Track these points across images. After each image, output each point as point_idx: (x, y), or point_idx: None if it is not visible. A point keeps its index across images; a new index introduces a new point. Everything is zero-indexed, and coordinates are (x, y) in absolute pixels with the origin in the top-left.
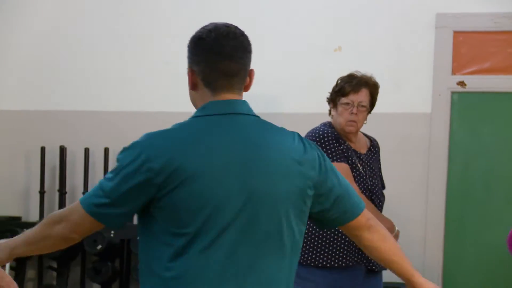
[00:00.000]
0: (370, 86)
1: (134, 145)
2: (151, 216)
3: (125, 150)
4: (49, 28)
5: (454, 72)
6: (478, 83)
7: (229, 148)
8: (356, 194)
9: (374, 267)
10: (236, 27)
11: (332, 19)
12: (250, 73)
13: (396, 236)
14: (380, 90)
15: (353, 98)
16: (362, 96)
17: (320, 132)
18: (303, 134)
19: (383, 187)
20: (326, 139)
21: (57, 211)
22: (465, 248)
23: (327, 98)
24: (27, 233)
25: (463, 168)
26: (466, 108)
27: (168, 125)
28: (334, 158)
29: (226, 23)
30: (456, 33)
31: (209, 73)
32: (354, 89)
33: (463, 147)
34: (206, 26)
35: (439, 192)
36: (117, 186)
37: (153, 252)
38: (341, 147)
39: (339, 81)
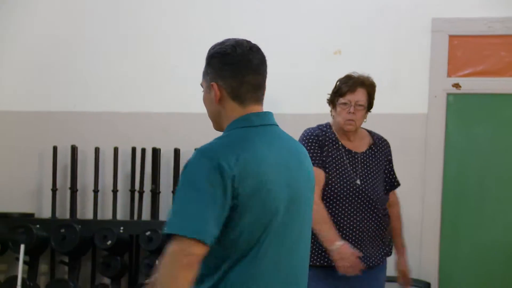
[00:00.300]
0: (366, 86)
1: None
2: None
3: None
4: (61, 32)
5: (449, 74)
6: (472, 85)
7: (281, 158)
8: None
9: (370, 264)
10: (248, 41)
11: (332, 23)
12: None
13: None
14: (378, 92)
15: (350, 97)
16: (359, 95)
17: (306, 135)
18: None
19: (396, 183)
20: (309, 142)
21: None
22: (460, 245)
23: (327, 99)
24: None
25: (459, 167)
26: (461, 109)
27: (174, 126)
28: (313, 162)
29: (240, 38)
30: (451, 37)
31: (238, 86)
32: (351, 89)
33: (458, 146)
34: (224, 42)
35: (435, 191)
36: None
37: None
38: (322, 147)
39: (337, 83)
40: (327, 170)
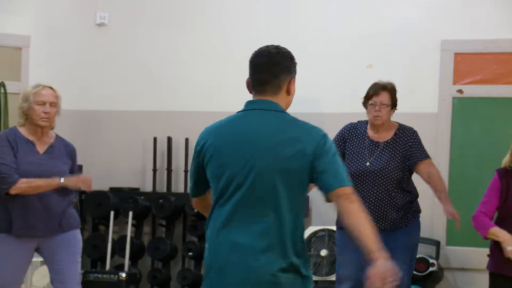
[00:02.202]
0: (388, 89)
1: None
2: None
3: None
4: (160, 42)
5: (454, 82)
6: (472, 90)
7: (244, 134)
8: (342, 173)
9: (383, 227)
10: (275, 47)
11: (366, 44)
12: (288, 82)
13: None
14: (399, 96)
15: (375, 99)
16: (382, 97)
17: (340, 130)
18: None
19: (421, 156)
20: (337, 136)
21: None
22: (463, 212)
23: (362, 102)
24: None
25: (461, 154)
26: (463, 110)
27: None
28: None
29: (273, 45)
30: (456, 54)
31: (252, 82)
32: (375, 92)
33: (461, 138)
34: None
35: (443, 172)
36: None
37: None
38: (345, 137)
39: (368, 90)
40: (346, 155)
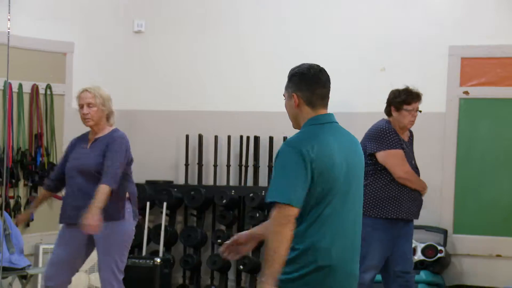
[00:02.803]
0: (420, 98)
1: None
2: None
3: None
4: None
5: (461, 84)
6: (477, 92)
7: (340, 144)
8: None
9: (412, 217)
10: (318, 65)
11: (380, 50)
12: None
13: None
14: None
15: (414, 105)
16: (418, 104)
17: (384, 127)
18: (360, 126)
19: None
20: (388, 131)
21: None
22: (468, 203)
23: (390, 103)
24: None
25: (467, 149)
26: (469, 109)
27: (269, 121)
28: (393, 146)
29: (311, 63)
30: (463, 59)
31: (311, 96)
32: (414, 100)
33: (467, 135)
34: (301, 65)
35: (450, 165)
36: None
37: None
38: (398, 138)
39: (398, 93)
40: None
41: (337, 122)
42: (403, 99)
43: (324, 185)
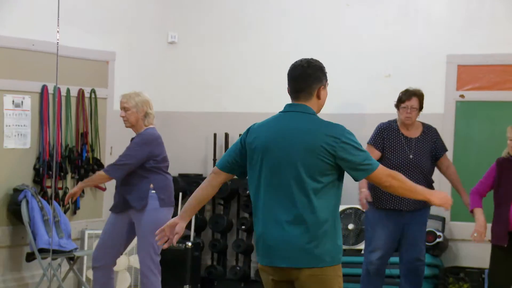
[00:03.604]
0: (417, 95)
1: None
2: None
3: None
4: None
5: (457, 89)
6: (472, 95)
7: (279, 131)
8: (362, 163)
9: (406, 208)
10: (307, 61)
11: (386, 57)
12: (318, 89)
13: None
14: None
15: (407, 103)
16: (413, 102)
17: (379, 125)
18: (368, 126)
19: (443, 149)
20: (378, 128)
21: None
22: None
23: (394, 104)
24: None
25: (463, 147)
26: (464, 111)
27: None
28: (371, 140)
29: (306, 58)
30: (459, 66)
31: (289, 89)
32: (408, 98)
33: (462, 134)
34: (295, 62)
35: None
36: None
37: None
38: (384, 135)
39: (400, 94)
40: (385, 150)
41: (300, 112)
42: (399, 98)
43: (249, 160)
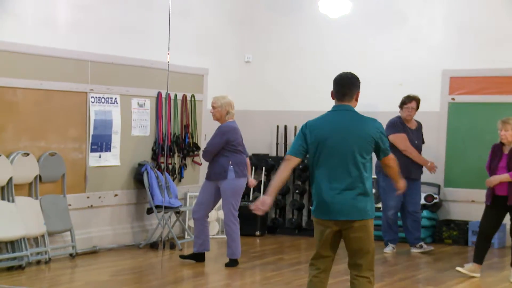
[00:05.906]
0: (416, 99)
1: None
2: None
3: None
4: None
5: (449, 93)
6: (461, 99)
7: (336, 124)
8: (387, 148)
9: (411, 177)
10: (350, 73)
11: (398, 69)
12: (356, 94)
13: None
14: None
15: (409, 105)
16: (413, 104)
17: (393, 120)
18: (382, 120)
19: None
20: (395, 123)
21: None
22: (454, 166)
23: (398, 105)
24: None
25: (454, 139)
26: (456, 110)
27: None
28: (398, 131)
29: (349, 72)
30: (452, 78)
31: (336, 93)
32: (409, 101)
33: (454, 128)
34: (341, 73)
35: (441, 146)
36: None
37: None
38: (403, 126)
39: (403, 98)
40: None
41: (347, 110)
42: (402, 101)
43: (313, 149)
